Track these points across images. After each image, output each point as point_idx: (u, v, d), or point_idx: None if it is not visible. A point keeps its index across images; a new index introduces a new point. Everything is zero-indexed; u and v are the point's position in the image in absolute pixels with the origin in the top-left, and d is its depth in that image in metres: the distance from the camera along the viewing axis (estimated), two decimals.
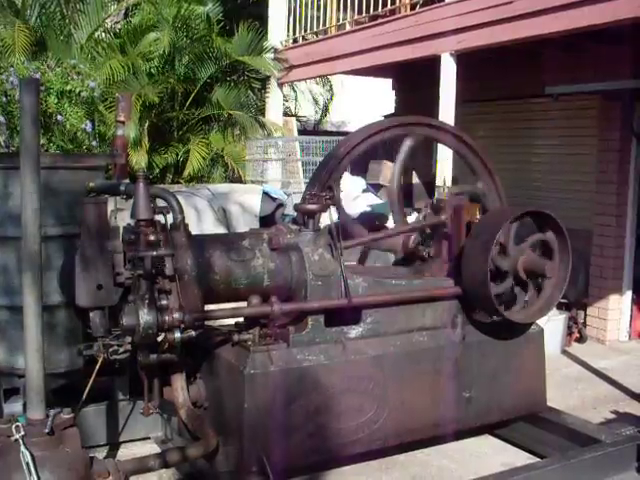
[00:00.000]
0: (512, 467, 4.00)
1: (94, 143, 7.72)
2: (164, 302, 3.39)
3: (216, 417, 3.81)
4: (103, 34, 9.74)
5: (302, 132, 13.48)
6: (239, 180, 9.53)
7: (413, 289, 4.15)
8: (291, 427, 3.65)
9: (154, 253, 3.31)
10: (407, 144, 4.62)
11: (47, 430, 3.02)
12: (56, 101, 7.30)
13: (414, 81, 9.48)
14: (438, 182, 6.83)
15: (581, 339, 7.40)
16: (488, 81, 8.36)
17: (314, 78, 13.65)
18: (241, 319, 3.98)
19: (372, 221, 7.23)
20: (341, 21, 9.21)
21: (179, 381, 3.77)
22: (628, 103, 7.10)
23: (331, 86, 16.50)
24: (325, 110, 17.11)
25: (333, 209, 3.95)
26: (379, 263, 5.33)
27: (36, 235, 2.95)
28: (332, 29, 9.29)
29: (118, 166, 4.16)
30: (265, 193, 7.22)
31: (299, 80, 12.36)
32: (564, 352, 7.00)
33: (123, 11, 10.64)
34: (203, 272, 3.63)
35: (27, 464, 2.92)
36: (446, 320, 4.22)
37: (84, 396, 3.53)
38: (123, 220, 4.08)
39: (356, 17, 8.66)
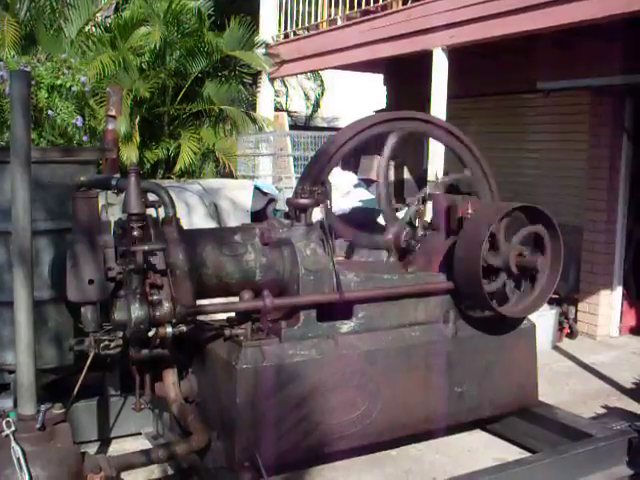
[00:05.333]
0: (504, 462, 4.02)
1: (85, 138, 7.68)
2: (156, 297, 3.36)
3: (208, 412, 3.80)
4: (93, 28, 9.69)
5: (293, 127, 13.49)
6: (230, 175, 9.52)
7: (405, 284, 4.15)
8: (283, 422, 3.64)
9: (146, 247, 3.29)
10: (391, 141, 4.57)
11: (38, 426, 3.00)
12: (46, 96, 7.27)
13: (405, 76, 9.49)
14: (430, 177, 6.83)
15: (572, 334, 7.42)
16: (480, 76, 8.36)
17: (305, 73, 13.67)
18: (233, 314, 3.97)
19: (363, 216, 7.23)
20: (332, 16, 9.19)
21: (171, 376, 3.76)
22: (619, 99, 7.12)
23: (322, 81, 16.51)
24: (316, 105, 17.12)
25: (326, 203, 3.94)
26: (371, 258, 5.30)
27: (27, 230, 2.92)
28: (323, 24, 9.27)
29: (109, 160, 4.15)
30: (256, 188, 7.20)
31: (290, 75, 12.36)
32: (555, 347, 7.02)
33: (114, 5, 10.60)
34: (195, 267, 3.61)
35: (18, 460, 2.89)
36: (438, 315, 4.22)
37: (75, 391, 3.51)
38: (114, 215, 4.07)
39: (347, 12, 8.64)
